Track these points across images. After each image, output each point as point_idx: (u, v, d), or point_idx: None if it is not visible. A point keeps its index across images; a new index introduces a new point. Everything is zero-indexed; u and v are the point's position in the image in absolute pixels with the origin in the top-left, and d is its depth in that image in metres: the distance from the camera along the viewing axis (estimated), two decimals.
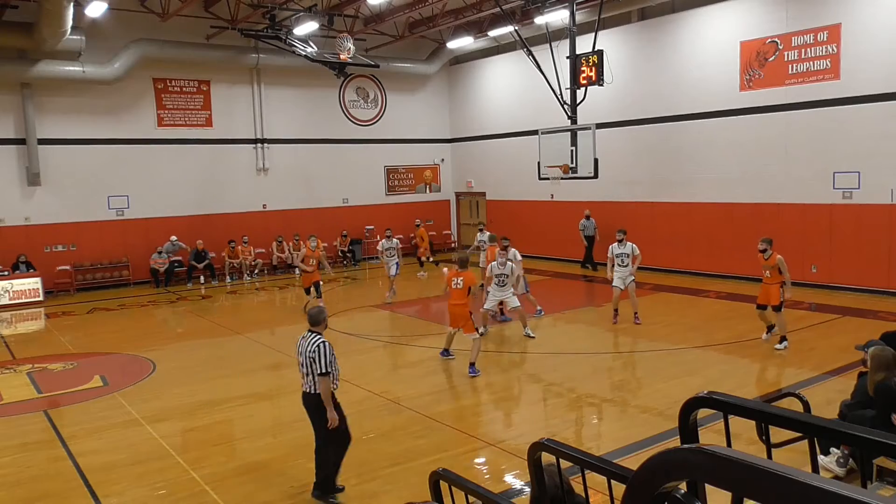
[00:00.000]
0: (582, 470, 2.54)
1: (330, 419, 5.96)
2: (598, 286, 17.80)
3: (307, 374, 6.02)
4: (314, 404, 6.03)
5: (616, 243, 12.80)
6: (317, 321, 6.16)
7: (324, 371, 5.90)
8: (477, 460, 7.11)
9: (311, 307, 6.53)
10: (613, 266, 12.80)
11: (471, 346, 9.92)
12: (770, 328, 10.98)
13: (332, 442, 6.09)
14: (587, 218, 19.25)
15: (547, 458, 2.73)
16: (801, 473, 1.19)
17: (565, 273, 19.43)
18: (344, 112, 23.15)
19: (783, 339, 10.60)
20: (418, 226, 21.37)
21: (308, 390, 6.05)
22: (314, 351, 5.94)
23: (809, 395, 5.68)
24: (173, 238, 19.64)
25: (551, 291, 17.12)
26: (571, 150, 15.23)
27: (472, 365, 9.84)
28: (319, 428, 6.09)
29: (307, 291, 14.71)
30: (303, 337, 6.15)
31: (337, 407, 6.09)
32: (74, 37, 16.66)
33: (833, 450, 6.10)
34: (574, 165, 15.21)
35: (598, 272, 18.79)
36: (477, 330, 10.15)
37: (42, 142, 18.16)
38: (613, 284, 12.74)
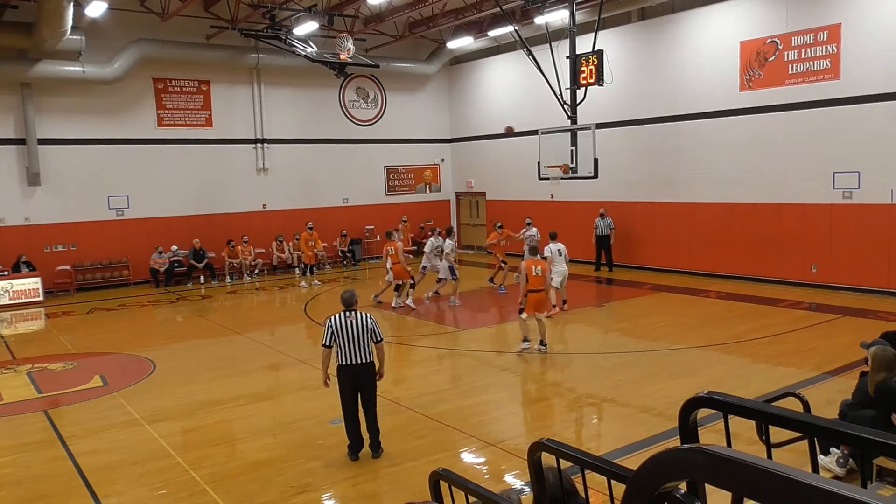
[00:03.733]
0: (582, 470, 2.54)
1: (384, 374, 7.20)
2: (603, 287, 17.81)
3: (363, 346, 6.85)
4: (371, 371, 7.00)
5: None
6: (353, 302, 7.04)
7: (382, 337, 7.06)
8: (477, 460, 7.11)
9: (344, 291, 7.17)
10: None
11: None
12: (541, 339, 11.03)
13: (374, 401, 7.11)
14: (601, 217, 18.90)
15: (547, 458, 2.73)
16: (801, 473, 1.19)
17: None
18: (344, 112, 23.15)
19: (525, 339, 10.95)
20: (310, 228, 19.60)
21: (363, 360, 6.90)
22: (373, 322, 6.96)
23: (809, 395, 5.68)
24: (174, 248, 19.70)
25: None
26: (571, 150, 15.25)
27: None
28: (371, 392, 7.06)
29: None
30: (344, 316, 6.88)
31: None
32: (74, 37, 16.66)
33: (833, 450, 6.10)
34: (574, 165, 15.23)
35: (612, 273, 18.76)
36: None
37: (42, 142, 18.16)
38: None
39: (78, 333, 14.06)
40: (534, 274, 10.88)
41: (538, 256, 11.23)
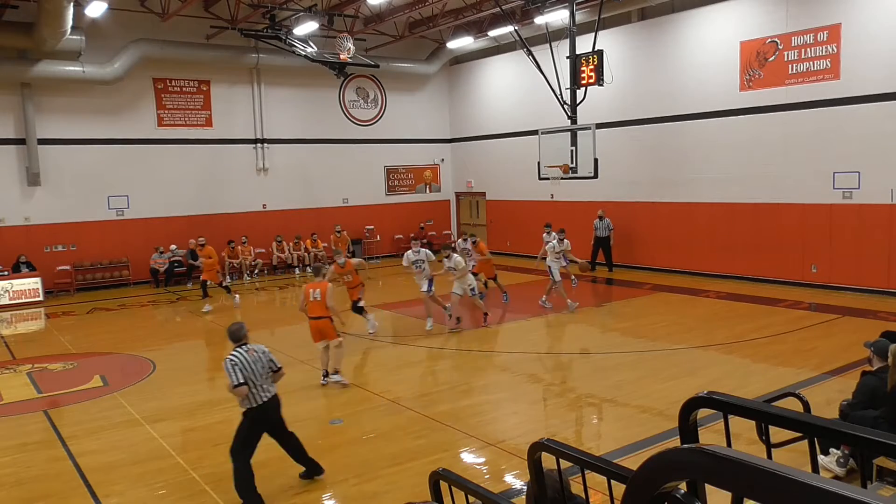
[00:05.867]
0: (582, 470, 2.54)
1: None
2: (603, 287, 17.81)
3: (266, 382, 6.26)
4: (279, 404, 6.44)
5: (444, 258, 12.87)
6: (243, 335, 6.40)
7: (280, 365, 6.46)
8: (477, 460, 7.10)
9: (232, 324, 6.50)
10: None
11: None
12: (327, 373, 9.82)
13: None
14: (600, 218, 18.80)
15: (547, 460, 2.72)
16: (801, 473, 1.19)
17: (564, 273, 19.42)
18: (344, 112, 23.16)
19: (335, 371, 9.73)
20: (202, 245, 16.72)
21: (271, 396, 6.32)
22: (270, 355, 6.39)
23: (809, 395, 5.69)
24: (173, 247, 19.70)
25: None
26: (571, 150, 15.25)
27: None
28: (282, 422, 6.48)
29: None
30: (245, 352, 6.20)
31: None
32: (74, 37, 16.66)
33: (833, 450, 6.10)
34: (574, 165, 15.23)
35: (612, 273, 18.76)
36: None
37: (42, 142, 18.17)
38: (453, 291, 12.84)
39: (78, 333, 14.05)
40: (311, 299, 9.61)
41: (319, 278, 10.03)
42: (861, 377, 6.30)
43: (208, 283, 16.05)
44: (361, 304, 12.30)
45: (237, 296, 16.72)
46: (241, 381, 6.04)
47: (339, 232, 20.59)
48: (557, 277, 14.03)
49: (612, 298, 16.62)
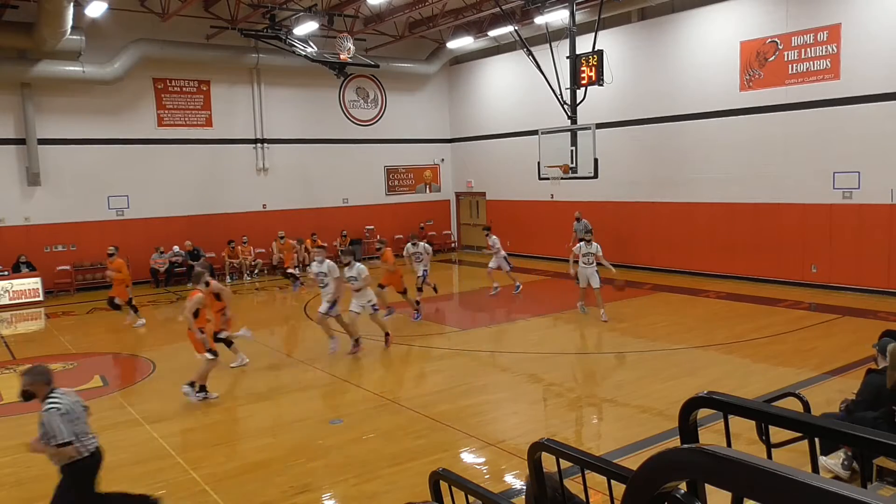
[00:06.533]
0: (582, 470, 2.54)
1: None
2: (602, 287, 17.79)
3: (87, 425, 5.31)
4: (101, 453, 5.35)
5: (345, 267, 11.16)
6: (51, 377, 5.28)
7: (86, 405, 5.51)
8: (477, 460, 7.10)
9: (35, 366, 5.33)
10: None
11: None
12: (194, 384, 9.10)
13: None
14: (577, 220, 18.44)
15: (547, 460, 2.72)
16: (801, 473, 1.19)
17: (565, 273, 19.41)
18: (344, 112, 23.16)
19: (195, 383, 9.02)
20: (111, 254, 14.13)
21: (97, 442, 5.33)
22: (76, 395, 5.48)
23: (809, 395, 5.69)
24: (175, 248, 19.70)
25: (550, 292, 17.13)
26: (571, 150, 15.26)
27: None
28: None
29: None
30: (63, 395, 5.21)
31: None
32: (74, 37, 16.67)
33: (838, 452, 6.09)
34: (574, 165, 15.24)
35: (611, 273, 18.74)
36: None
37: (42, 142, 18.17)
38: (351, 309, 11.20)
39: (78, 333, 14.05)
40: None
41: (201, 286, 9.42)
42: (866, 375, 6.31)
43: (116, 299, 14.11)
44: (223, 335, 10.50)
45: (142, 320, 14.34)
46: (69, 438, 4.92)
47: (281, 238, 19.40)
48: (596, 284, 13.23)
49: (611, 298, 16.61)
